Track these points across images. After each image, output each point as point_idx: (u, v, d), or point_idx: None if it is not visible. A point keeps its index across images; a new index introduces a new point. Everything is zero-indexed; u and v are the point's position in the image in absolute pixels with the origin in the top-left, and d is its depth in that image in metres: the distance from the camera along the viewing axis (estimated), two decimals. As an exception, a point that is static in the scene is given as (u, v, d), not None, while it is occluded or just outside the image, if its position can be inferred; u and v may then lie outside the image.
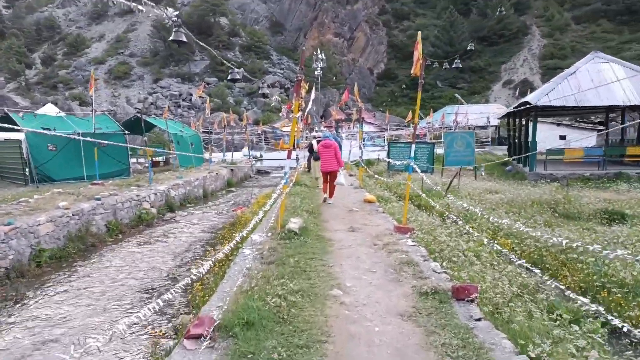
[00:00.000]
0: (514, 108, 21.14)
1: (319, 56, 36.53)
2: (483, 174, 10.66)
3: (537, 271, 5.00)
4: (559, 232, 7.34)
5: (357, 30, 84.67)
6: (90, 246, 9.52)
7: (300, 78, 6.89)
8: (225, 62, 13.70)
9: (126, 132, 21.30)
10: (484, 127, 45.99)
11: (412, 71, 7.31)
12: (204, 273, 3.64)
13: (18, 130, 18.34)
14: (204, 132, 36.96)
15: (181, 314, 5.88)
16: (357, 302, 4.19)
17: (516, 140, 26.26)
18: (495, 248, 5.99)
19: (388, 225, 7.79)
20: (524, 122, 24.99)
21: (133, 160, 33.57)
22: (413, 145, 7.28)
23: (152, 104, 63.83)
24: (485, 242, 6.02)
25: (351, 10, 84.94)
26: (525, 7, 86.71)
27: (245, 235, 6.17)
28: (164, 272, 7.73)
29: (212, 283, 5.92)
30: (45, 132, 18.67)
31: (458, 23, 79.36)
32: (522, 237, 7.21)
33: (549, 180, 17.47)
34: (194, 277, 3.58)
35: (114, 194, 11.56)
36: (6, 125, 5.57)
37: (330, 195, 10.73)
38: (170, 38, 9.59)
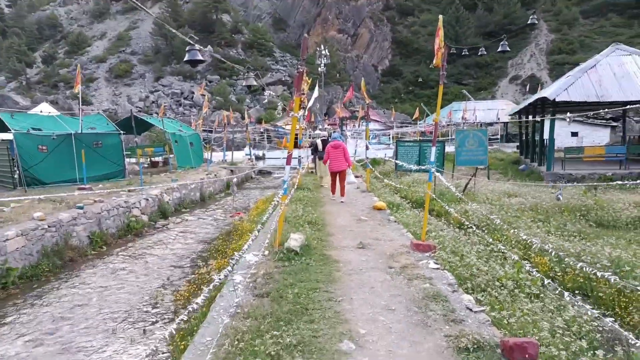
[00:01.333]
0: (529, 104, 19.98)
1: (323, 52, 35.36)
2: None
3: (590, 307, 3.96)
4: (602, 248, 6.29)
5: (361, 27, 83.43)
6: (69, 261, 8.54)
7: (301, 70, 5.86)
8: (231, 64, 12.39)
9: (121, 132, 20.28)
10: (490, 124, 44.82)
11: (433, 62, 6.28)
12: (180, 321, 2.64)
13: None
14: (204, 130, 36.02)
15: (159, 353, 4.87)
16: (375, 363, 3.16)
17: (528, 137, 25.14)
18: (533, 273, 4.91)
19: (404, 241, 6.74)
20: (537, 119, 23.89)
21: (132, 160, 32.73)
22: (433, 148, 6.22)
23: (153, 102, 62.93)
24: (524, 266, 4.95)
25: (355, 6, 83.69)
26: (532, 1, 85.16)
27: (236, 258, 5.18)
28: (146, 296, 6.73)
29: (196, 316, 4.90)
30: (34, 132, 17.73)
31: (464, 18, 78.00)
32: (561, 254, 6.15)
33: (567, 181, 16.40)
34: (171, 332, 2.57)
35: (99, 201, 10.57)
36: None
37: (342, 194, 11.04)
38: (185, 59, 9.23)
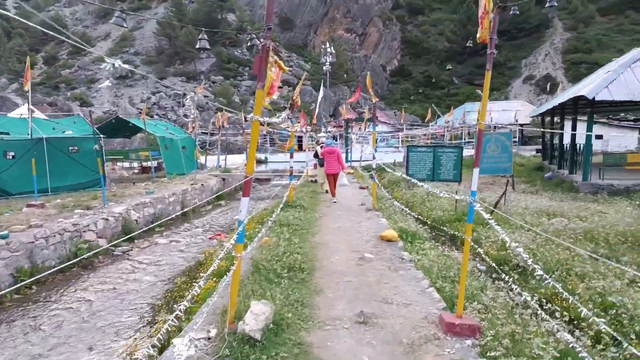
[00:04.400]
0: (559, 104, 17.58)
1: (328, 50, 33.06)
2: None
3: None
4: None
5: (370, 26, 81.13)
6: (-28, 313, 6.39)
7: (267, 45, 3.63)
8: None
9: (101, 136, 18.21)
10: (503, 127, 42.22)
11: (477, 36, 4.08)
12: None
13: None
14: (202, 133, 33.96)
15: None
16: None
17: (553, 141, 22.71)
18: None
19: (427, 306, 4.47)
20: (560, 120, 21.49)
21: (126, 164, 30.67)
22: (476, 171, 3.96)
23: (155, 104, 61.13)
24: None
25: (363, 4, 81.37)
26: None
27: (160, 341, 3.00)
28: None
29: None
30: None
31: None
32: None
33: (608, 193, 14.03)
34: None
35: (37, 224, 8.41)
36: None
37: (333, 194, 12.19)
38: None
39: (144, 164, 26.36)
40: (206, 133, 32.11)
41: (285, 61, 72.11)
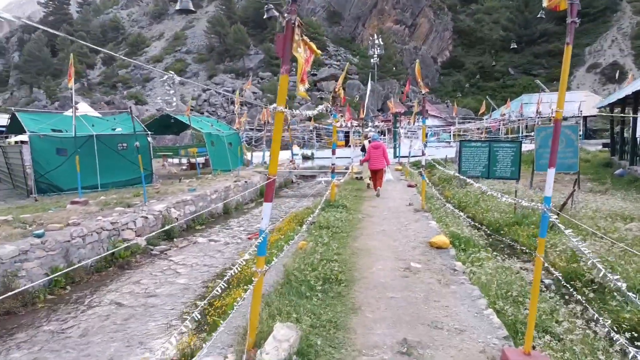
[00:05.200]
0: (633, 92, 15.82)
1: (376, 42, 31.96)
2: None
3: None
4: None
5: (420, 16, 78.74)
6: (4, 315, 6.27)
7: (291, 21, 3.03)
8: None
9: (149, 132, 18.50)
10: (565, 119, 39.43)
11: (544, 5, 3.29)
12: None
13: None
14: (250, 129, 34.02)
15: None
16: None
17: (624, 134, 20.71)
18: None
19: (484, 334, 3.72)
20: (633, 111, 19.47)
21: (176, 161, 31.39)
22: (551, 172, 3.18)
23: (205, 100, 62.41)
24: None
25: (413, -6, 79.03)
26: (614, -19, 76.50)
27: None
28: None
29: None
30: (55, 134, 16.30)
31: (534, 2, 71.06)
32: None
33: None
34: None
35: (75, 223, 8.31)
36: None
37: (380, 185, 11.91)
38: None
39: (192, 160, 26.70)
40: (252, 129, 32.11)
41: (332, 56, 71.30)
